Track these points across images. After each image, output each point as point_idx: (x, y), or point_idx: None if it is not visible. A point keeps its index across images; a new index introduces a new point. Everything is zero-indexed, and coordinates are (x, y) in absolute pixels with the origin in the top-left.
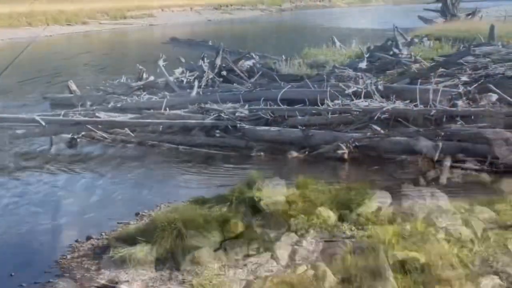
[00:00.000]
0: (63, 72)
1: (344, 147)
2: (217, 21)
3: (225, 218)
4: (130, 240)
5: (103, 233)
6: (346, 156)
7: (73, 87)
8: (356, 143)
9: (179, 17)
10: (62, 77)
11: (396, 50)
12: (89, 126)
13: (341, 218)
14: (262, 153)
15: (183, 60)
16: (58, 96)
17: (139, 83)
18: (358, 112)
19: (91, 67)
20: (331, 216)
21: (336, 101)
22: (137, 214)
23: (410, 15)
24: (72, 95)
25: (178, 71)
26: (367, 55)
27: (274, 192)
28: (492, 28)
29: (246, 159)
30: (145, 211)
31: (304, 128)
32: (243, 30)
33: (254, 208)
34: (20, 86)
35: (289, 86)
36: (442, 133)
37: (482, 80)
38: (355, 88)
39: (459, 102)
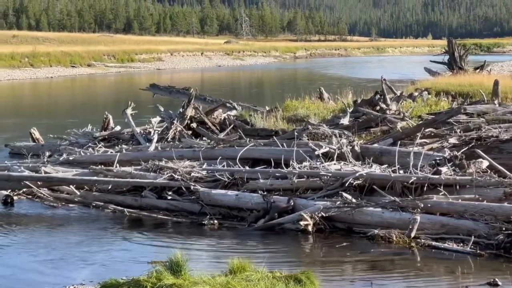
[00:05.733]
0: (40, 115)
1: (308, 218)
2: (227, 67)
3: None
4: None
5: None
6: (310, 228)
7: (36, 135)
8: (323, 214)
9: (188, 62)
10: (36, 121)
11: (383, 105)
12: (27, 183)
13: None
14: (216, 221)
15: (161, 108)
16: (17, 145)
17: (103, 133)
18: (327, 177)
19: (70, 112)
20: None
21: (305, 163)
22: None
23: (424, 66)
24: (33, 143)
25: (155, 120)
26: (350, 110)
27: (196, 280)
28: (496, 83)
29: (197, 228)
30: None
31: (265, 193)
32: (249, 76)
33: None
34: None
35: (252, 144)
36: (422, 205)
37: (473, 143)
38: (327, 149)
39: (444, 169)
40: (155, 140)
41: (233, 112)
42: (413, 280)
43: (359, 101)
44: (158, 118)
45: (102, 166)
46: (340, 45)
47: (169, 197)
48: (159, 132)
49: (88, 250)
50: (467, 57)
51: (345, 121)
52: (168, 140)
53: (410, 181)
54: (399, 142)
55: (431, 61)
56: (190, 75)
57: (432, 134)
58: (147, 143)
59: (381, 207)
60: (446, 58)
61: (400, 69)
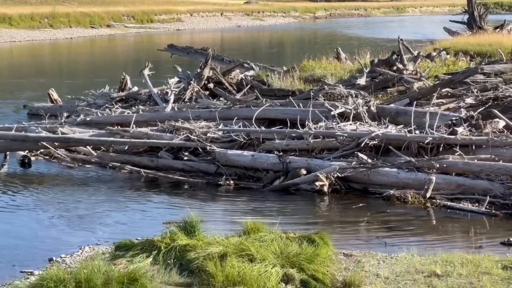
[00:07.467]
0: (59, 76)
1: (324, 179)
2: (247, 27)
3: (132, 278)
4: None
5: None
6: (325, 188)
7: (55, 95)
8: (339, 174)
9: (208, 23)
10: (55, 81)
11: (400, 66)
12: (44, 143)
13: (285, 279)
14: (231, 182)
15: (179, 69)
16: (35, 106)
17: (120, 94)
18: (343, 137)
19: (89, 73)
20: (272, 276)
21: (321, 124)
22: (50, 259)
23: (443, 26)
24: (51, 104)
25: (172, 80)
26: (367, 70)
27: (210, 240)
28: None
29: (213, 189)
30: (61, 256)
31: (281, 153)
32: (268, 37)
33: (184, 259)
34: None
35: (268, 104)
36: (437, 165)
37: (489, 103)
38: (342, 109)
39: (460, 129)
40: (171, 100)
41: (251, 72)
42: (427, 240)
43: (376, 61)
44: (175, 79)
45: (119, 126)
46: (359, 5)
47: (185, 158)
48: (176, 92)
49: (104, 211)
50: (486, 16)
51: (362, 81)
52: (185, 100)
53: (426, 141)
54: (415, 102)
55: (450, 20)
56: (210, 35)
57: (449, 94)
58: (164, 104)
59: (396, 167)
60: (465, 17)
61: (420, 29)
